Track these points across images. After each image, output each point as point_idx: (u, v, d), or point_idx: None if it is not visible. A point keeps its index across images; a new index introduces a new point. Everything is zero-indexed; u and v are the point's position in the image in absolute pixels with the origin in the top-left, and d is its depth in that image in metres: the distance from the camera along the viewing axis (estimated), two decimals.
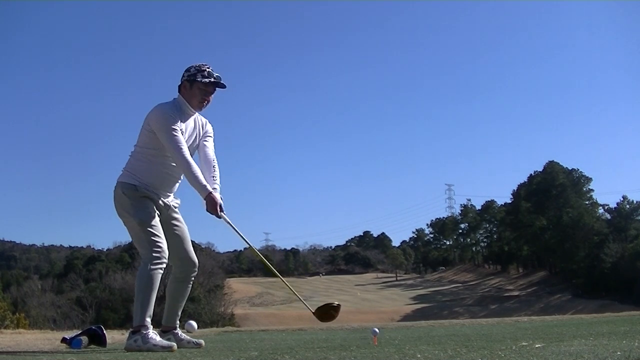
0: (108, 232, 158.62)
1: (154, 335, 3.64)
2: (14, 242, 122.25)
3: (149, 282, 3.67)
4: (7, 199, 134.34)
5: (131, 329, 3.77)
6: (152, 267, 3.69)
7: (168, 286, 4.06)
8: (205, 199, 3.77)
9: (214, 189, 3.85)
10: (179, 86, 3.95)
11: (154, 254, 3.71)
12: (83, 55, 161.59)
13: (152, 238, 3.76)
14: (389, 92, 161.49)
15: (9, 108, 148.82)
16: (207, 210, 3.78)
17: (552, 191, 75.56)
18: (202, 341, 4.01)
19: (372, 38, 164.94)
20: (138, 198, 3.83)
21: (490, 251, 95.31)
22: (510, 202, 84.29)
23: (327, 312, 3.93)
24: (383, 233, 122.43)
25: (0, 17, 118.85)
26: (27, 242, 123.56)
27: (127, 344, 3.69)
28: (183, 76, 3.93)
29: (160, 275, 3.73)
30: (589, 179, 78.53)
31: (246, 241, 3.97)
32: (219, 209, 3.78)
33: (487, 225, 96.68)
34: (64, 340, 4.27)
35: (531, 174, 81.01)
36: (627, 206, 74.06)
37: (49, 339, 5.55)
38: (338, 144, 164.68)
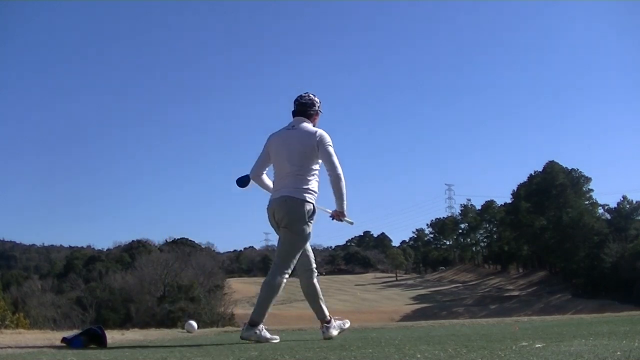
0: (108, 232, 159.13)
1: (266, 330, 4.38)
2: (14, 242, 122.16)
3: (278, 288, 4.34)
4: (7, 199, 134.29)
5: (249, 322, 4.36)
6: (284, 277, 4.37)
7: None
8: (343, 210, 4.43)
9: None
10: (312, 113, 4.48)
11: (290, 269, 4.38)
12: (83, 54, 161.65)
13: (298, 257, 4.39)
14: (388, 91, 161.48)
15: (9, 107, 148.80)
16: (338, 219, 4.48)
17: (552, 191, 75.59)
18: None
19: (370, 37, 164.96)
20: (313, 220, 4.38)
21: (490, 251, 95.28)
22: (510, 202, 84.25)
23: None
24: (383, 233, 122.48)
25: (1, 15, 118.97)
26: (27, 242, 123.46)
27: (245, 334, 4.31)
28: (316, 105, 4.48)
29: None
30: (588, 179, 78.67)
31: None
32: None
33: (487, 225, 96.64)
34: (64, 340, 4.27)
35: (531, 174, 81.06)
36: (627, 206, 74.13)
37: (49, 339, 5.55)
38: (337, 144, 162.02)
